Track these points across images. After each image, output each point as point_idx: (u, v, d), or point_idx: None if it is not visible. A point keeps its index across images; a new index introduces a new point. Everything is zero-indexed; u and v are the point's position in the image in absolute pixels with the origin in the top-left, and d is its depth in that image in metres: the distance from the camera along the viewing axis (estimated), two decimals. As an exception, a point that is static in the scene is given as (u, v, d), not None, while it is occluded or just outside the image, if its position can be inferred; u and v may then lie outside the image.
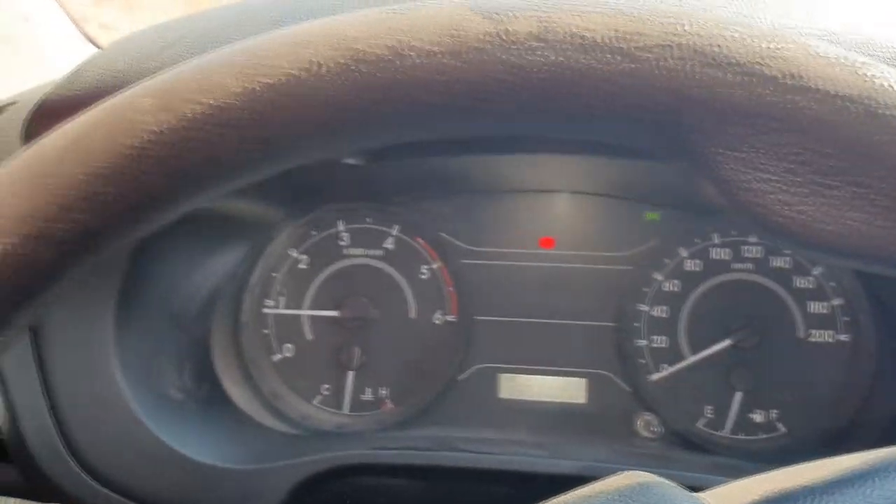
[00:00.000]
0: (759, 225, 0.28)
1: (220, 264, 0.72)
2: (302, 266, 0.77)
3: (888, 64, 0.26)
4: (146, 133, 0.27)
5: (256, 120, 0.27)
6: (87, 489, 0.59)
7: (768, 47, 0.26)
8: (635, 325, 0.73)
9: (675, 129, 0.27)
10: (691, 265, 0.73)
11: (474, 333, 0.75)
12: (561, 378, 0.74)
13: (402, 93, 0.26)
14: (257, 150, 0.27)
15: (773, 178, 0.27)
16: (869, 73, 0.25)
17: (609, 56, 0.26)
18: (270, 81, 0.26)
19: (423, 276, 0.76)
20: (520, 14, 0.26)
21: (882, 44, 0.45)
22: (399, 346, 0.75)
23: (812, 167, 0.27)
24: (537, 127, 0.28)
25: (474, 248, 0.76)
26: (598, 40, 0.26)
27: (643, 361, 0.73)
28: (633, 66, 0.26)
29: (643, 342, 0.73)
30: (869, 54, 0.44)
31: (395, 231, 0.77)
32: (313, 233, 0.77)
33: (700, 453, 0.69)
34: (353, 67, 0.26)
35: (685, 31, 0.26)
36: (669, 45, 0.26)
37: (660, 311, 0.73)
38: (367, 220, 0.77)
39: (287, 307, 0.76)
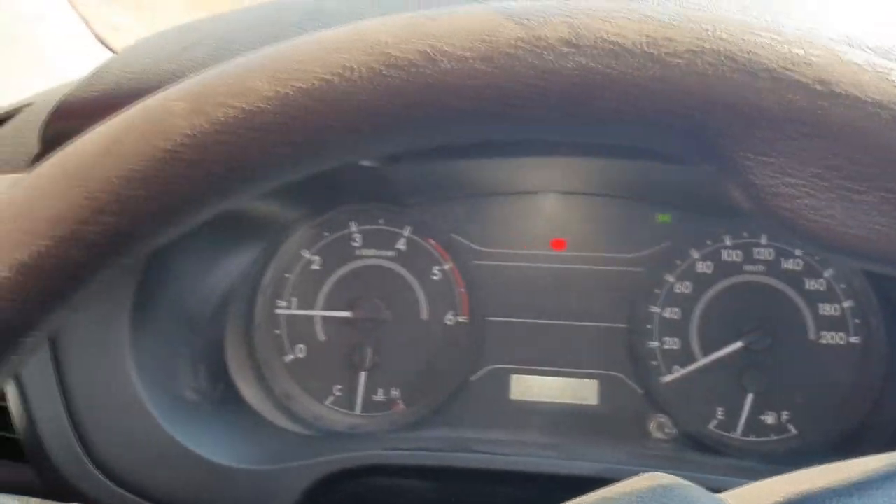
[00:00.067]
0: (787, 229, 0.28)
1: (233, 265, 0.73)
2: (314, 267, 0.77)
3: None
4: (179, 136, 0.27)
5: (289, 124, 0.27)
6: (103, 489, 0.59)
7: (798, 53, 0.26)
8: (647, 326, 0.73)
9: (704, 134, 0.28)
10: (703, 267, 0.74)
11: (486, 334, 0.75)
12: (572, 379, 0.74)
13: (434, 98, 0.27)
14: (289, 153, 0.28)
15: (802, 182, 0.27)
16: (899, 79, 0.25)
17: (639, 61, 0.26)
18: (304, 86, 0.26)
19: (434, 277, 0.76)
20: (551, 19, 0.27)
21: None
22: (411, 347, 0.76)
23: (840, 172, 0.27)
24: (567, 131, 0.28)
25: (486, 250, 0.76)
26: (629, 45, 0.26)
27: (655, 363, 0.73)
28: (663, 71, 0.26)
29: (655, 344, 0.73)
30: None
31: (407, 232, 0.77)
32: (326, 234, 0.77)
33: (712, 455, 0.70)
34: (385, 72, 0.26)
35: (715, 36, 0.26)
36: (700, 51, 0.26)
37: (671, 313, 0.73)
38: (380, 221, 0.77)
39: (299, 308, 0.77)
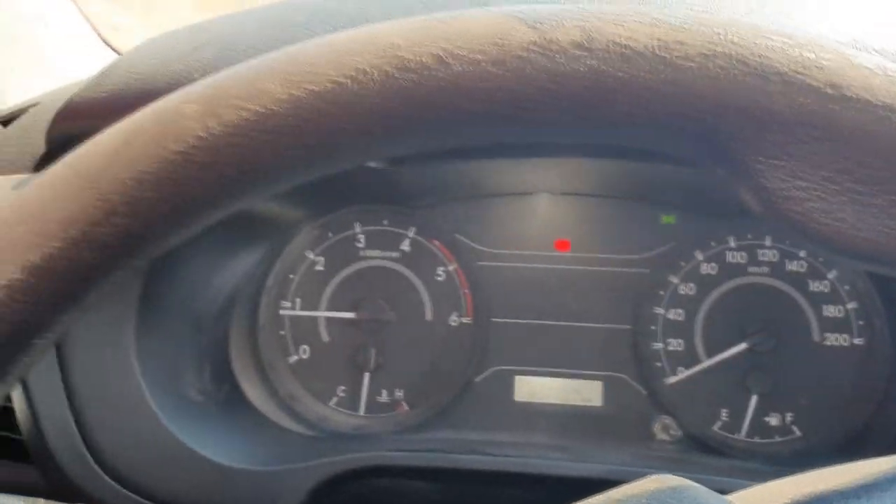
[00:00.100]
0: (798, 232, 0.28)
1: (238, 266, 0.73)
2: (318, 268, 0.77)
3: None
4: (192, 138, 0.27)
5: (301, 126, 0.27)
6: (108, 490, 0.59)
7: (809, 57, 0.26)
8: (651, 327, 0.73)
9: (715, 137, 0.28)
10: (707, 268, 0.74)
11: (490, 335, 0.75)
12: (576, 381, 0.74)
13: (447, 101, 0.27)
14: (301, 156, 0.28)
15: (812, 186, 0.27)
16: (911, 84, 0.26)
17: (651, 65, 0.26)
18: (316, 88, 0.27)
19: (438, 278, 0.76)
20: (563, 23, 0.27)
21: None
22: (415, 348, 0.76)
23: (851, 176, 0.27)
24: (578, 134, 0.28)
25: (490, 250, 0.76)
26: (641, 49, 0.26)
27: (659, 364, 0.73)
28: (675, 74, 0.26)
29: (659, 345, 0.73)
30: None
31: (411, 233, 0.77)
32: (330, 234, 0.77)
33: (717, 456, 0.70)
34: (398, 75, 0.26)
35: (727, 39, 0.26)
36: (711, 54, 0.26)
37: (676, 314, 0.73)
38: (384, 221, 0.77)
39: (303, 309, 0.77)
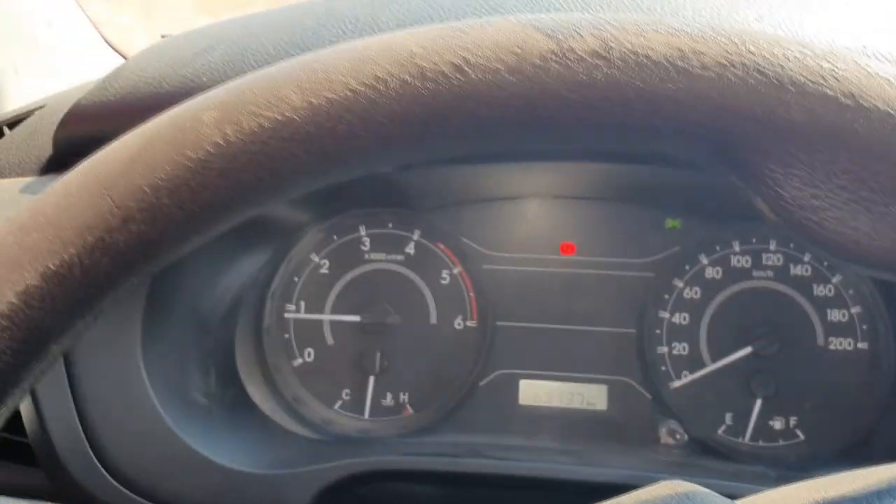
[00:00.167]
0: (813, 241, 0.28)
1: (244, 269, 0.73)
2: (323, 271, 0.77)
3: None
4: (210, 145, 0.27)
5: (319, 134, 0.27)
6: (113, 493, 0.59)
7: (826, 67, 0.26)
8: (656, 331, 0.74)
9: (731, 146, 0.28)
10: (712, 272, 0.74)
11: (495, 339, 0.75)
12: (581, 384, 0.74)
13: (465, 109, 0.27)
14: (318, 163, 0.28)
15: (827, 194, 0.28)
16: (927, 94, 0.26)
17: (668, 74, 0.26)
18: (334, 96, 0.27)
19: (443, 282, 0.76)
20: (581, 32, 0.27)
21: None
22: (420, 352, 0.76)
23: (867, 185, 0.27)
24: (596, 141, 0.28)
25: (495, 254, 0.77)
26: (658, 59, 0.26)
27: (664, 368, 0.73)
28: (692, 84, 0.26)
29: (664, 349, 0.73)
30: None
31: (416, 236, 0.77)
32: (335, 237, 0.77)
33: (722, 460, 0.70)
34: (416, 83, 0.26)
35: (744, 49, 0.27)
36: (728, 64, 0.26)
37: (680, 318, 0.74)
38: (389, 225, 0.77)
39: (308, 312, 0.77)
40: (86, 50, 0.97)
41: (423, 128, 0.27)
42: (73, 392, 0.59)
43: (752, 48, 0.26)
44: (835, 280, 0.72)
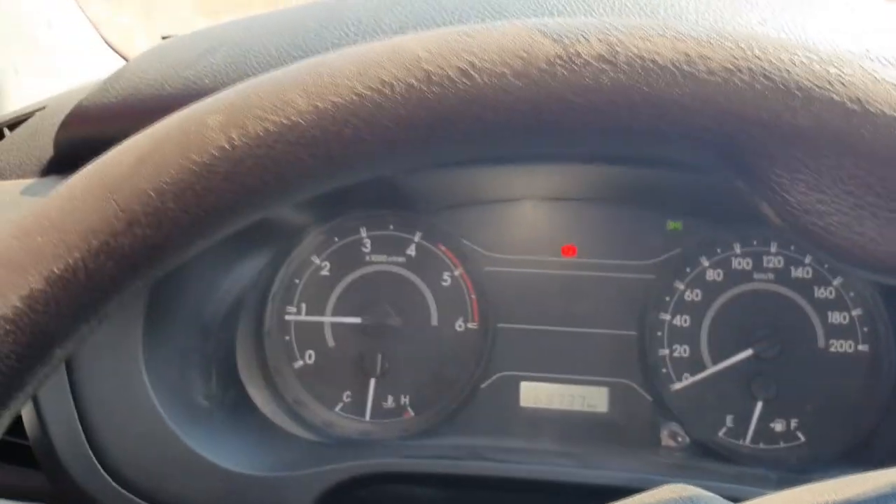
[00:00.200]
0: (819, 246, 0.28)
1: (244, 271, 0.72)
2: (324, 273, 0.77)
3: None
4: (215, 149, 0.27)
5: (325, 138, 0.27)
6: (115, 495, 0.59)
7: (833, 72, 0.26)
8: (657, 334, 0.74)
9: (737, 150, 0.28)
10: (713, 275, 0.74)
11: (496, 341, 0.75)
12: (582, 387, 0.74)
13: (471, 113, 0.27)
14: (324, 167, 0.28)
15: (833, 199, 0.28)
16: (934, 99, 0.26)
17: (675, 79, 0.26)
18: (341, 100, 0.27)
19: (445, 283, 0.76)
20: (587, 36, 0.27)
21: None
22: (421, 354, 0.76)
23: (873, 190, 0.27)
24: (601, 145, 0.28)
25: (496, 256, 0.76)
26: (665, 63, 0.26)
27: (665, 371, 0.73)
28: (698, 88, 0.26)
29: (665, 351, 0.73)
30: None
31: (417, 238, 0.77)
32: (335, 239, 0.77)
33: (723, 463, 0.70)
34: (422, 87, 0.26)
35: (751, 54, 0.27)
36: (735, 69, 0.26)
37: (681, 321, 0.74)
38: (390, 226, 0.77)
39: (309, 314, 0.77)
40: (86, 50, 0.96)
41: (428, 132, 0.27)
42: (73, 394, 0.59)
43: (759, 53, 0.26)
44: (836, 282, 0.72)
